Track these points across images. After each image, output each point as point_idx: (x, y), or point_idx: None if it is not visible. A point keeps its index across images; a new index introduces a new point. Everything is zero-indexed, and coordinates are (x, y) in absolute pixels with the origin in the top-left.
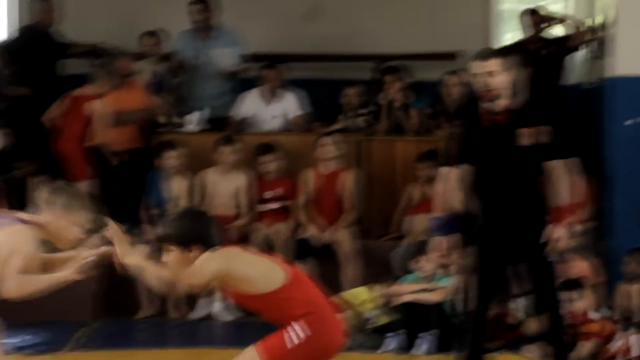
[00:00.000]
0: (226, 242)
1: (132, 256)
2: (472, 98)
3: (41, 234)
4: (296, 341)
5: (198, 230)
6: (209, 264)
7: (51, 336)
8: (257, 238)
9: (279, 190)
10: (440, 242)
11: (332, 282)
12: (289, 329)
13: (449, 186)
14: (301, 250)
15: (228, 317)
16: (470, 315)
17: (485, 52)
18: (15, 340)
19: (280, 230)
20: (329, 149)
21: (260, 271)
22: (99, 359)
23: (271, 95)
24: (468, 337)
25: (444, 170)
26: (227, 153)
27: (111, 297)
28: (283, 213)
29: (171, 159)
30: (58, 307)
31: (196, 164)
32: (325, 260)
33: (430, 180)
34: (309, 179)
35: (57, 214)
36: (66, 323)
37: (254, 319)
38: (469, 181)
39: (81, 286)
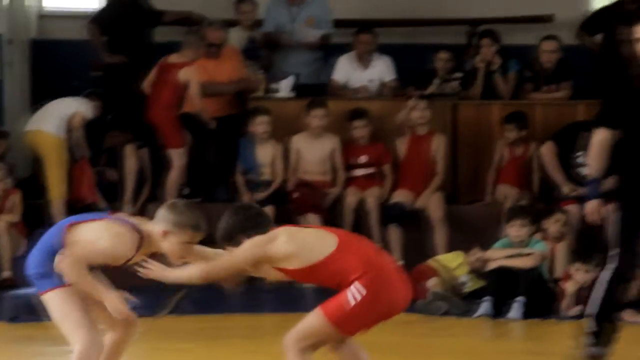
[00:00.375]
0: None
1: (174, 274)
2: (620, 62)
3: (142, 242)
4: (356, 301)
5: (239, 224)
6: (245, 251)
7: (148, 300)
8: (348, 204)
9: (370, 156)
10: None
11: (422, 247)
12: (348, 290)
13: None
14: (391, 215)
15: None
16: (609, 279)
17: None
18: None
19: (371, 195)
20: (420, 113)
21: (302, 244)
22: (195, 323)
23: (364, 61)
24: (601, 300)
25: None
26: (317, 117)
27: None
28: (374, 178)
29: (261, 124)
30: None
31: (287, 130)
32: (416, 226)
33: (515, 142)
34: (400, 144)
35: (167, 230)
36: (164, 287)
37: None
38: (615, 145)
39: None
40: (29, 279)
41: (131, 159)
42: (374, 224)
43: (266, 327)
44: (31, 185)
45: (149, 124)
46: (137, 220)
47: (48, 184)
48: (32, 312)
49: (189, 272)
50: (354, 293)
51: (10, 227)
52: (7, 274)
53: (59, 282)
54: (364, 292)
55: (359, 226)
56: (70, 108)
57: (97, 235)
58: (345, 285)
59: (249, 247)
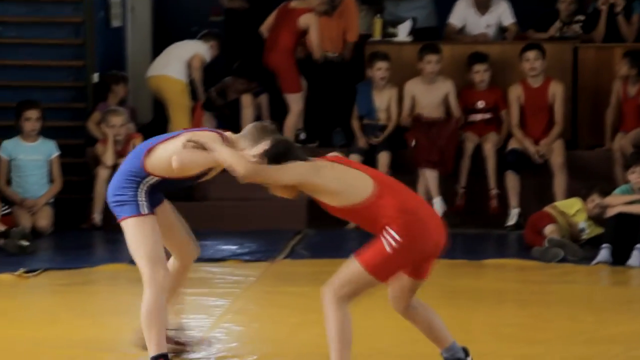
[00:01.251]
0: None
1: (217, 149)
2: None
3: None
4: (392, 248)
5: (275, 157)
6: (293, 168)
7: (267, 244)
8: (465, 149)
9: (488, 101)
10: None
11: (543, 194)
12: (382, 237)
13: None
14: (511, 162)
15: None
16: None
17: None
18: (233, 247)
19: (490, 140)
20: (530, 65)
21: (347, 183)
22: (310, 267)
23: (482, 6)
24: None
25: None
26: (431, 63)
27: None
28: (493, 123)
29: (380, 70)
30: (274, 216)
31: (405, 75)
32: (536, 172)
33: (628, 79)
34: (519, 91)
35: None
36: (281, 232)
37: (452, 231)
38: None
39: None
40: (110, 207)
41: (248, 109)
42: (491, 170)
43: None
44: (153, 129)
45: (268, 69)
46: (221, 131)
47: (172, 128)
48: None
49: (238, 157)
50: (389, 240)
51: None
52: None
53: (135, 211)
54: (399, 238)
55: (476, 172)
56: (190, 51)
57: None
58: (379, 229)
59: (298, 169)
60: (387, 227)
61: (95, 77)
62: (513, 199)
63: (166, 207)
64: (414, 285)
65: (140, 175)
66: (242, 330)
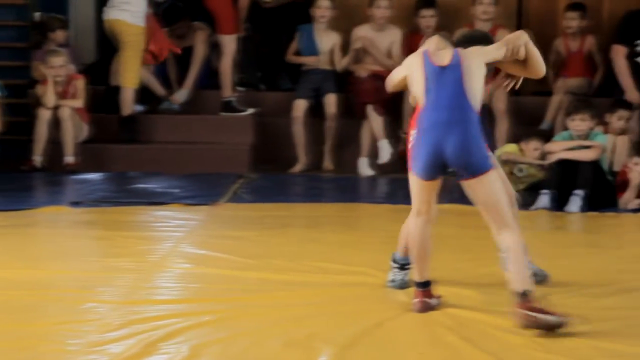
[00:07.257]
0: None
1: None
2: None
3: None
4: None
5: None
6: (396, 72)
7: (209, 187)
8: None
9: None
10: None
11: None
12: None
13: None
14: None
15: (370, 172)
16: None
17: None
18: (176, 190)
19: None
20: (484, 8)
21: None
22: (254, 211)
23: None
24: None
25: None
26: (381, 8)
27: (268, 151)
28: None
29: (321, 8)
30: (216, 159)
31: (352, 21)
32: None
33: (575, 34)
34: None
35: None
36: (224, 175)
37: (393, 176)
38: None
39: (239, 139)
40: None
41: (201, 46)
42: None
43: (325, 217)
44: (97, 70)
45: (208, 11)
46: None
47: (123, 71)
48: (93, 198)
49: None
50: None
51: (73, 112)
52: (70, 159)
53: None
54: None
55: None
56: None
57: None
58: None
59: (402, 69)
60: None
61: (37, 16)
62: None
63: None
64: None
65: None
66: (184, 273)
